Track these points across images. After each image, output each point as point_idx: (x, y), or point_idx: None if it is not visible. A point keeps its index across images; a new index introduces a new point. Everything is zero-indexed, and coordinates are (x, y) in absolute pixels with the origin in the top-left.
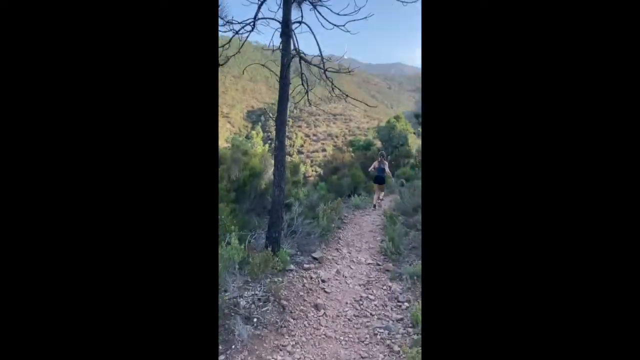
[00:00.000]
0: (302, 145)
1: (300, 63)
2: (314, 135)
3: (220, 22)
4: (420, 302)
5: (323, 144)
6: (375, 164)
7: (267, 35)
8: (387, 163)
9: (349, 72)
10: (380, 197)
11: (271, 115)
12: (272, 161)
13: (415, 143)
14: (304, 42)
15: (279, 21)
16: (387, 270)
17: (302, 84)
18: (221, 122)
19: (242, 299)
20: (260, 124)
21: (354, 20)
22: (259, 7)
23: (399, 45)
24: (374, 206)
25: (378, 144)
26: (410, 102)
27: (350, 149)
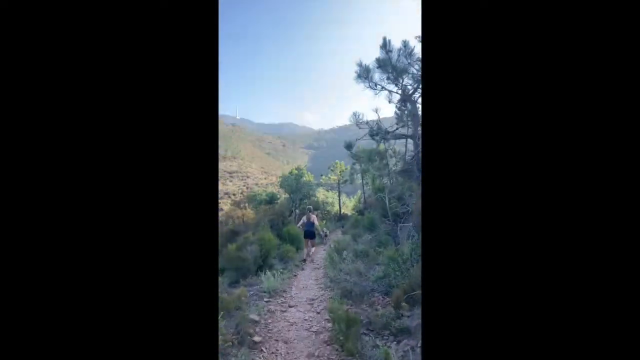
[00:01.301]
0: None
1: None
2: None
3: None
4: None
5: (219, 202)
6: (304, 218)
7: None
8: (314, 216)
9: None
10: (311, 252)
11: None
12: None
13: (320, 194)
14: None
15: None
16: None
17: None
18: None
19: None
20: None
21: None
22: None
23: (289, 105)
24: (304, 260)
25: (283, 196)
26: (305, 158)
27: (251, 205)
